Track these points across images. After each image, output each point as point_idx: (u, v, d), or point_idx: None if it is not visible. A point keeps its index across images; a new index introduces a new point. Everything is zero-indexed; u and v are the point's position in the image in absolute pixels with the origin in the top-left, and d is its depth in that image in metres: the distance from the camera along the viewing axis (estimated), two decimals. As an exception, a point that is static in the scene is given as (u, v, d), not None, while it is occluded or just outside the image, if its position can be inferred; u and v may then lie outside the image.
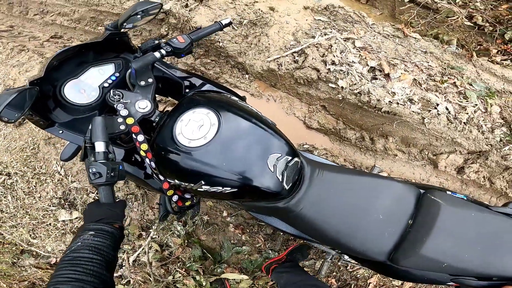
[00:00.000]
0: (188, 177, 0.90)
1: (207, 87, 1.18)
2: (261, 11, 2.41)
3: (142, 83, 0.96)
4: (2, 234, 2.10)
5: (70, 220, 2.15)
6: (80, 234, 0.71)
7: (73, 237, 0.72)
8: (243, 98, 1.25)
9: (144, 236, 2.11)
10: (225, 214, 2.15)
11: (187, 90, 1.16)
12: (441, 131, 2.00)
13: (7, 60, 2.78)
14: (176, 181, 0.92)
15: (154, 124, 1.00)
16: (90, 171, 0.71)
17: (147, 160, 0.91)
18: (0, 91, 2.62)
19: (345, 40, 2.28)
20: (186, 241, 2.06)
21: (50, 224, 2.14)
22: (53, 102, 0.98)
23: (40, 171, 2.27)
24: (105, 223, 0.72)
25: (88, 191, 2.22)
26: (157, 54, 1.02)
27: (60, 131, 0.97)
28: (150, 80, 0.97)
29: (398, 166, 2.16)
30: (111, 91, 0.92)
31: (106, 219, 0.73)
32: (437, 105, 2.07)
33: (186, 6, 2.36)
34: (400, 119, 2.01)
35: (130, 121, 0.88)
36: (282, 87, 2.25)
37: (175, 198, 1.00)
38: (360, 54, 2.20)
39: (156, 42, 1.14)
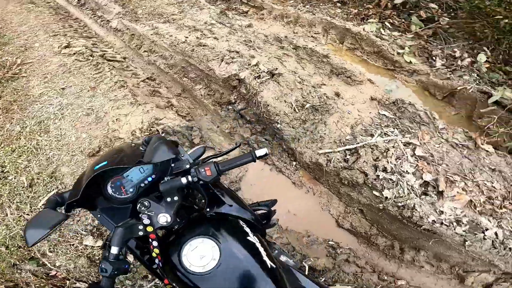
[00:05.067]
0: None
1: (234, 210, 1.23)
2: (326, 96, 2.49)
3: (168, 199, 1.10)
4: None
5: (92, 246, 2.23)
6: None
7: None
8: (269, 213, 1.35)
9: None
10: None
11: (208, 209, 1.21)
12: (481, 253, 1.89)
13: (108, 92, 3.37)
14: (175, 285, 1.10)
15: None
16: (100, 265, 0.91)
17: (156, 260, 1.09)
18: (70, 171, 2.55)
19: (405, 145, 2.24)
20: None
21: (73, 245, 2.22)
22: (96, 192, 1.18)
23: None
24: None
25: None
26: (183, 180, 1.10)
27: (99, 215, 1.17)
28: (175, 198, 1.10)
29: (421, 276, 2.10)
30: (140, 200, 1.08)
31: None
32: (486, 229, 1.94)
33: (258, 77, 2.59)
34: (439, 238, 1.97)
35: (149, 229, 1.06)
36: (325, 182, 2.32)
37: None
38: (417, 164, 2.16)
39: (188, 166, 1.16)
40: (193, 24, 3.39)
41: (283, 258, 1.52)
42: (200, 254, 1.04)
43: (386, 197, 2.09)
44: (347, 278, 2.24)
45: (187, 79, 3.04)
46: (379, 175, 2.12)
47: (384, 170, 2.13)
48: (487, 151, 2.23)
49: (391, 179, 2.10)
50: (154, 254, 1.08)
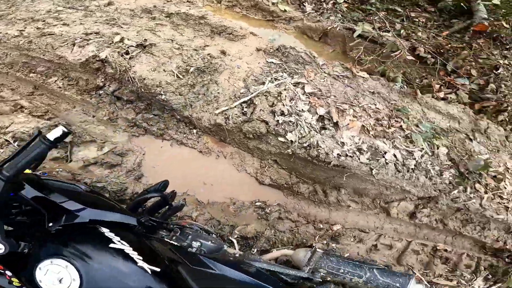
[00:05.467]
0: None
1: (87, 215, 1.01)
2: (210, 56, 2.33)
3: None
4: None
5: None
6: None
7: None
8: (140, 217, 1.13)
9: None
10: None
11: (51, 224, 0.97)
12: (389, 180, 2.01)
13: None
14: None
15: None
16: None
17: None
18: None
19: (295, 86, 2.25)
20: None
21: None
22: None
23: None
24: None
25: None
26: None
27: None
28: None
29: (352, 216, 2.16)
30: None
31: None
32: (385, 153, 2.08)
33: (127, 53, 2.23)
34: (349, 171, 2.02)
35: None
36: (232, 141, 2.17)
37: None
38: (309, 101, 2.18)
39: None
40: (31, 15, 2.75)
41: (195, 244, 1.29)
42: (56, 277, 0.88)
43: (291, 141, 2.03)
44: (284, 237, 2.12)
45: (35, 75, 2.41)
46: (278, 120, 2.03)
47: (282, 113, 2.06)
48: (363, 77, 2.40)
49: (290, 121, 2.05)
50: (15, 285, 0.92)
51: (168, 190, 1.30)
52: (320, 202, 2.15)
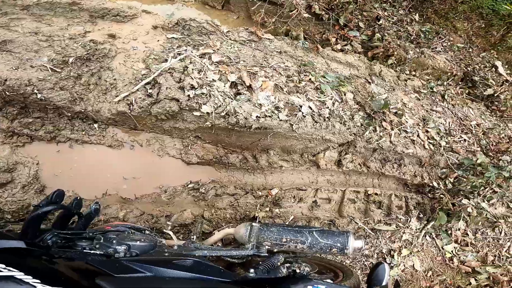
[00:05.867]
0: None
1: None
2: (94, 42, 2.02)
3: None
4: None
5: None
6: None
7: None
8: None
9: None
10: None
11: None
12: (310, 132, 2.07)
13: None
14: None
15: None
16: None
17: None
18: None
19: (201, 57, 2.12)
20: None
21: None
22: None
23: None
24: None
25: None
26: None
27: None
28: None
29: (287, 176, 2.18)
30: None
31: None
32: (301, 106, 2.15)
33: None
34: (271, 131, 2.01)
35: None
36: (145, 127, 1.94)
37: None
38: (219, 70, 2.09)
39: None
40: None
41: (121, 249, 1.12)
42: None
43: (208, 113, 1.91)
44: (226, 213, 2.02)
45: None
46: (189, 95, 1.89)
47: (192, 87, 1.92)
48: (268, 39, 2.43)
49: (203, 93, 1.93)
50: None
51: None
52: (253, 169, 2.12)
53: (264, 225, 1.49)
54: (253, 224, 1.48)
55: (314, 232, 1.45)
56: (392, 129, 2.43)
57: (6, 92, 1.67)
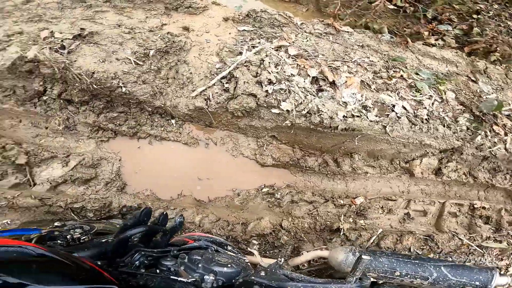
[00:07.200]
0: None
1: None
2: (171, 34, 2.04)
3: None
4: None
5: None
6: None
7: None
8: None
9: None
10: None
11: None
12: (406, 136, 1.74)
13: None
14: None
15: None
16: None
17: None
18: None
19: (277, 50, 1.99)
20: None
21: None
22: None
23: None
24: None
25: None
26: None
27: None
28: None
29: (372, 183, 1.86)
30: None
31: None
32: (393, 106, 1.85)
33: (62, 48, 1.85)
34: (360, 133, 1.74)
35: None
36: (220, 125, 1.84)
37: None
38: (297, 64, 1.92)
39: None
40: None
41: (209, 279, 0.97)
42: None
43: (288, 110, 1.73)
44: (304, 223, 1.78)
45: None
46: (267, 90, 1.74)
47: (270, 82, 1.77)
48: (347, 32, 2.21)
49: (281, 89, 1.76)
50: None
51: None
52: (333, 174, 1.85)
53: (370, 253, 1.21)
54: (363, 256, 1.12)
55: (442, 267, 1.13)
56: (506, 134, 1.97)
57: (94, 85, 1.71)
